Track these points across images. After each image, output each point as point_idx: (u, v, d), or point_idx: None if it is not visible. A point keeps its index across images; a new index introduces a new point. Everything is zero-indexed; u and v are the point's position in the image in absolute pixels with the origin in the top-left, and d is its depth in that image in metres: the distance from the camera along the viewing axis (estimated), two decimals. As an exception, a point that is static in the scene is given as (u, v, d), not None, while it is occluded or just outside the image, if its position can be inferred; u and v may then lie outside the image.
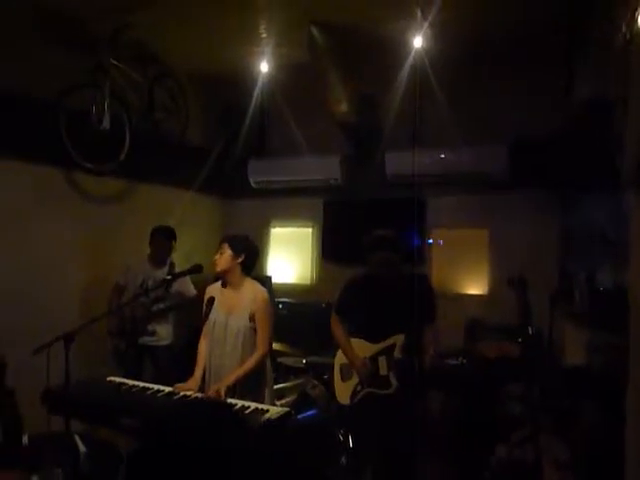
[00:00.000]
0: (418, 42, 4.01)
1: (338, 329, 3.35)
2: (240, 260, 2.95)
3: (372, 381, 3.17)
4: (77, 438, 2.58)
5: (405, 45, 4.10)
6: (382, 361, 3.16)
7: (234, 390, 2.78)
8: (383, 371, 3.15)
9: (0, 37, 3.66)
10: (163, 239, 4.21)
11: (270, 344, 2.98)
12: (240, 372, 2.79)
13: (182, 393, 2.69)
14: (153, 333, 4.13)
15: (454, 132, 4.58)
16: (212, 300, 2.95)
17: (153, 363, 4.12)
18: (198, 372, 2.94)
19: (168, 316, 4.22)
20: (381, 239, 3.23)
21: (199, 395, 2.69)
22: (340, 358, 3.38)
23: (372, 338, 3.22)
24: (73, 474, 2.37)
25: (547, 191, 4.59)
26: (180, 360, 3.04)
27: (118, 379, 2.89)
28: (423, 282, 3.36)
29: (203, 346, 3.02)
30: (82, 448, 2.56)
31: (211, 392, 2.66)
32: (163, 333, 4.17)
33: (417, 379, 3.10)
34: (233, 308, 2.96)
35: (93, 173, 4.21)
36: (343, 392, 3.32)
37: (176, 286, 4.10)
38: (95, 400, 2.60)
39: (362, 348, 3.24)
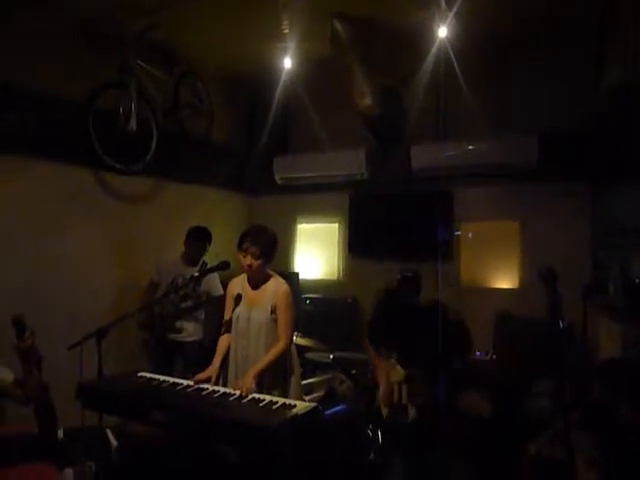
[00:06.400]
0: (443, 32, 3.93)
1: (371, 352, 3.49)
2: (266, 257, 2.98)
3: (394, 408, 3.21)
4: (109, 432, 2.64)
5: (429, 36, 4.03)
6: (404, 389, 3.17)
7: (261, 384, 2.81)
8: (404, 399, 3.17)
9: (30, 39, 3.75)
10: (198, 240, 4.25)
11: (291, 336, 3.00)
12: (262, 364, 2.81)
13: (210, 389, 2.72)
14: (181, 330, 4.19)
15: (481, 123, 4.50)
16: (239, 298, 3.00)
17: (183, 358, 4.18)
18: (217, 361, 2.98)
19: (197, 313, 4.27)
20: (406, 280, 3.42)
21: (227, 390, 2.71)
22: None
23: (402, 364, 3.26)
24: (105, 467, 2.43)
25: (579, 182, 4.48)
26: (210, 356, 3.09)
27: (148, 374, 2.94)
28: (449, 313, 3.36)
29: (224, 338, 3.06)
30: (114, 442, 2.63)
31: (237, 387, 2.68)
32: (191, 329, 4.23)
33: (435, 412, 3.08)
34: (256, 302, 3.00)
35: (121, 173, 4.28)
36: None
37: (204, 285, 4.15)
38: (126, 395, 2.65)
39: (397, 372, 3.28)
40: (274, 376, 2.91)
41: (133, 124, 4.12)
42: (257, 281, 3.04)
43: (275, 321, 2.95)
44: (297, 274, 5.70)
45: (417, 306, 3.29)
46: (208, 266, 4.05)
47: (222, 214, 5.57)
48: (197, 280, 3.97)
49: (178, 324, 4.19)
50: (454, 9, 3.63)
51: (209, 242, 4.33)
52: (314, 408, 2.48)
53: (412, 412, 3.08)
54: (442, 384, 3.06)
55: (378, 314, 3.48)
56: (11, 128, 3.70)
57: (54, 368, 2.56)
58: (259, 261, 2.95)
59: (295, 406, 2.45)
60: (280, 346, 2.90)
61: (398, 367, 3.24)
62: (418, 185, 5.16)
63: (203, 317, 4.32)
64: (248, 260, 2.94)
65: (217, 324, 4.25)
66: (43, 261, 3.91)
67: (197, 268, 4.20)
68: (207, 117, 5.08)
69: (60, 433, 2.47)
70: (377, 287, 4.13)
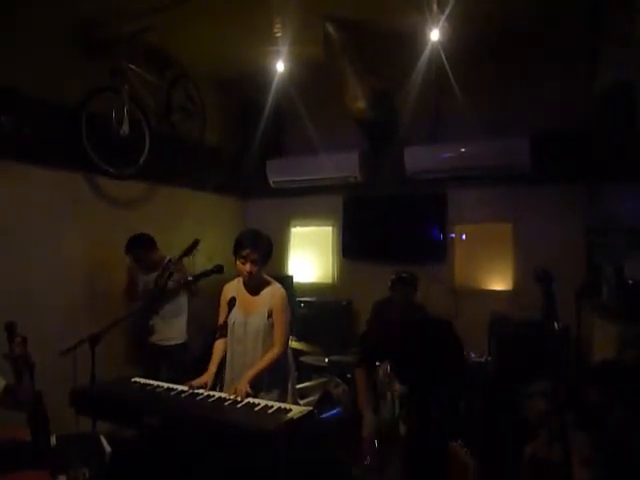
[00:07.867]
0: (435, 36, 3.95)
1: (360, 376, 3.23)
2: (264, 262, 2.97)
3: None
4: (103, 438, 2.62)
5: (422, 39, 4.05)
6: (397, 405, 3.10)
7: (260, 385, 2.80)
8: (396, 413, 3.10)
9: (22, 43, 3.73)
10: (136, 249, 4.16)
11: (287, 340, 2.99)
12: (259, 368, 2.80)
13: (205, 394, 2.70)
14: (159, 333, 4.17)
15: (474, 125, 4.52)
16: (234, 301, 2.95)
17: (167, 362, 4.13)
18: (212, 367, 2.94)
19: (177, 315, 4.23)
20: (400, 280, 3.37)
21: (222, 395, 2.69)
22: None
23: (399, 378, 3.18)
24: (99, 474, 2.41)
25: (572, 183, 4.50)
26: (200, 359, 3.07)
27: (142, 380, 2.92)
28: (447, 329, 3.25)
29: (220, 344, 3.02)
30: (107, 448, 2.61)
31: (233, 391, 2.66)
32: (168, 332, 4.18)
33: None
34: (252, 307, 2.98)
35: (114, 177, 4.26)
36: None
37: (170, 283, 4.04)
38: (120, 400, 2.62)
39: (395, 388, 3.18)
40: (273, 377, 2.90)
41: (126, 128, 4.10)
42: (255, 286, 3.02)
43: (272, 325, 2.94)
44: (291, 277, 5.69)
45: (412, 319, 3.22)
46: (200, 268, 4.02)
47: (215, 217, 5.56)
48: (190, 284, 3.96)
49: (155, 327, 4.17)
50: (446, 12, 3.65)
51: (144, 246, 4.17)
52: (309, 412, 2.46)
53: (402, 428, 3.05)
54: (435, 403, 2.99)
55: (373, 327, 3.40)
56: (4, 132, 3.67)
57: (47, 374, 2.53)
58: (258, 267, 2.93)
59: (290, 410, 2.44)
60: (275, 351, 2.89)
61: (396, 383, 3.13)
62: (412, 187, 5.17)
63: (186, 318, 4.28)
64: (248, 267, 2.91)
65: (198, 327, 4.25)
66: (36, 265, 3.87)
67: (156, 272, 4.10)
68: (200, 120, 5.07)
69: (53, 439, 2.45)
70: (373, 299, 4.15)
